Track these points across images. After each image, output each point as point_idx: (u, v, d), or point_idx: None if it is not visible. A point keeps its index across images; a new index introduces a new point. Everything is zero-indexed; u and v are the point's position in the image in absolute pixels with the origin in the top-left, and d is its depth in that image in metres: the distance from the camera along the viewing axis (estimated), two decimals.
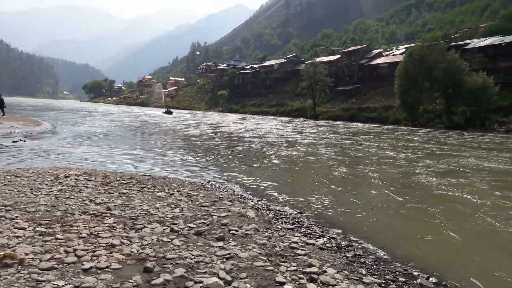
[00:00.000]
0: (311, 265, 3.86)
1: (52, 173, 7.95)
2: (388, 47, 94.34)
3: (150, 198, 6.34)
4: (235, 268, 3.59)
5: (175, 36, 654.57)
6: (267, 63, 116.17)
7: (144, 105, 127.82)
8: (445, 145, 22.12)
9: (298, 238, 4.86)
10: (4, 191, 6.01)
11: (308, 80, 70.82)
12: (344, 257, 4.42)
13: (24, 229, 4.24)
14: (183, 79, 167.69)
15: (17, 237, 3.99)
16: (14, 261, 3.31)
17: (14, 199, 5.52)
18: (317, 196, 7.92)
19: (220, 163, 12.23)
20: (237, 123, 42.22)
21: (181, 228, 4.71)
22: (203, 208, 5.94)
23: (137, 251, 3.84)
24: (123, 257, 3.66)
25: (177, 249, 3.98)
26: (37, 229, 4.27)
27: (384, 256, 4.68)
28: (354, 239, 5.28)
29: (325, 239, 5.03)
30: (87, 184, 7.05)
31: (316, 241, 4.84)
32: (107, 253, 3.71)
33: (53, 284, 3.00)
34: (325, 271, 3.76)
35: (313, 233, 5.25)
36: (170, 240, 4.26)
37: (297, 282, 3.44)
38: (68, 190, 6.43)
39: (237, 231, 4.82)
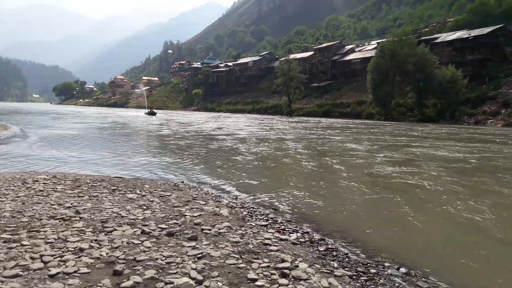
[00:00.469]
0: (283, 261, 3.89)
1: (19, 178, 7.71)
2: (360, 42, 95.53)
3: (121, 200, 6.23)
4: (206, 267, 3.57)
5: (147, 35, 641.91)
6: (241, 60, 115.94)
7: (117, 106, 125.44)
8: (405, 137, 23.43)
9: (272, 234, 4.88)
10: None
11: (283, 77, 71.09)
12: (317, 251, 4.47)
13: None
14: (156, 79, 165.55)
15: None
16: None
17: None
18: (289, 191, 8.02)
19: (195, 162, 12.17)
20: (210, 121, 42.00)
21: (152, 230, 4.64)
22: (175, 208, 5.88)
23: (107, 254, 3.77)
24: (92, 261, 3.58)
25: (148, 251, 3.93)
26: (1, 236, 4.13)
27: (356, 249, 4.77)
28: (327, 232, 5.36)
29: (298, 234, 5.08)
30: (56, 188, 6.87)
31: (289, 237, 4.88)
32: (75, 258, 3.62)
33: None
34: (297, 266, 3.80)
35: (286, 229, 5.29)
36: (140, 242, 4.19)
37: (269, 278, 3.46)
38: (36, 195, 6.26)
39: (210, 230, 4.79)
